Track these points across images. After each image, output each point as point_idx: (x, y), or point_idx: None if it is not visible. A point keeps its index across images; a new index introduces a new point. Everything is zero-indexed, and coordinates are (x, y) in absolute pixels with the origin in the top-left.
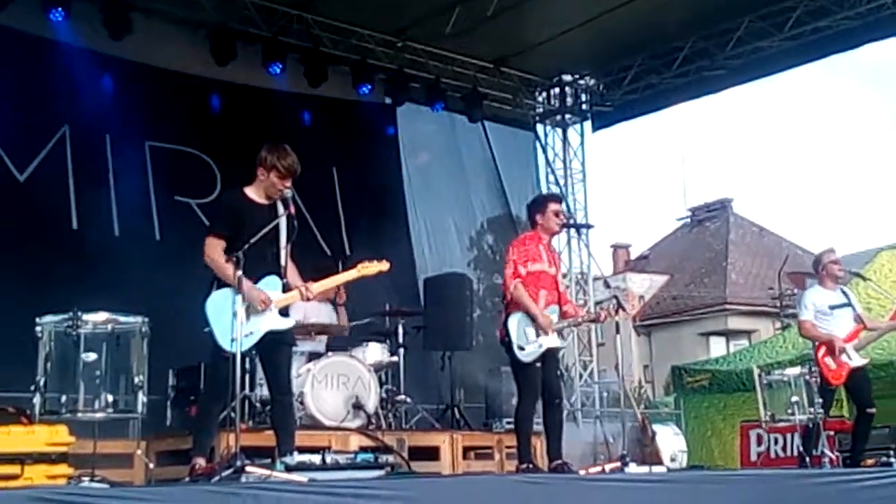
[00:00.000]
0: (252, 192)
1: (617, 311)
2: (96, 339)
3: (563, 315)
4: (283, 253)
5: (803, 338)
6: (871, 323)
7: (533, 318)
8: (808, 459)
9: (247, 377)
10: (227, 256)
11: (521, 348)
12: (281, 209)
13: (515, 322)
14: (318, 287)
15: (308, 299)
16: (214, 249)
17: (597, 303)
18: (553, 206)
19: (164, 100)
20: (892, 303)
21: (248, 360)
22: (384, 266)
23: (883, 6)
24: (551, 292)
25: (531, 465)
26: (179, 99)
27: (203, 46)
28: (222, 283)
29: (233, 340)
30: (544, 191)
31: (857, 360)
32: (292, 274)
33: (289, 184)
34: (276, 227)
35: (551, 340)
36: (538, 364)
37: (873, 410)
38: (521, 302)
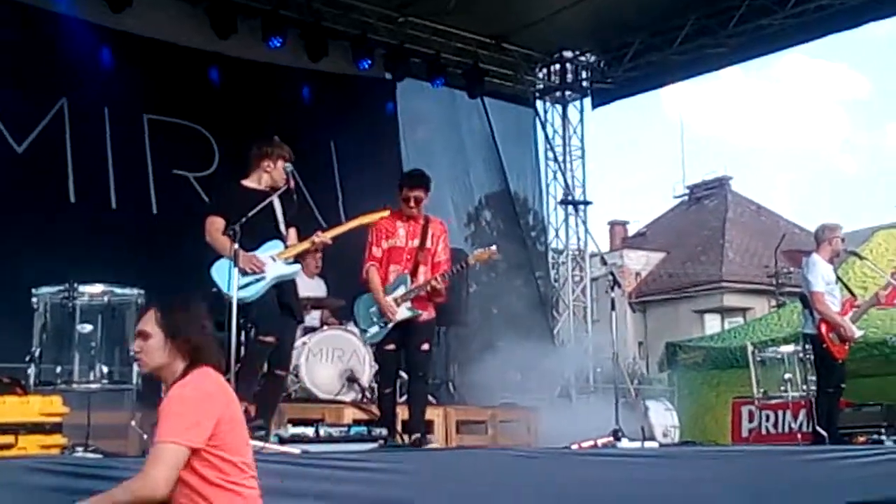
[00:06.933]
0: (251, 182)
1: (612, 287)
2: (92, 311)
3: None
4: (281, 224)
5: (817, 310)
6: (857, 301)
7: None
8: (827, 432)
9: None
10: (223, 231)
11: (365, 331)
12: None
13: (361, 305)
14: (329, 235)
15: (325, 244)
16: (213, 226)
17: (593, 279)
18: (405, 192)
19: (163, 73)
20: (887, 282)
21: None
22: (385, 213)
23: None
24: (404, 265)
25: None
26: (178, 72)
27: (203, 19)
28: None
29: (231, 292)
30: (542, 167)
31: (856, 333)
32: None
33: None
34: (273, 209)
35: (399, 314)
36: (389, 346)
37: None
38: (369, 286)
